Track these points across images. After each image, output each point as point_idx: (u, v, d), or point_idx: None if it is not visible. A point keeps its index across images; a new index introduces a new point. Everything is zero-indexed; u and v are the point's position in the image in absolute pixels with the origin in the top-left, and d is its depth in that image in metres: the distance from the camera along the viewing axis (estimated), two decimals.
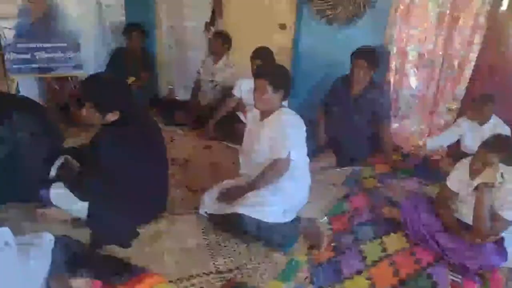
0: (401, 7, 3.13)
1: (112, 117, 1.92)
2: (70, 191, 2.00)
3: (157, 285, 1.72)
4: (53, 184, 2.06)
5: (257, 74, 2.14)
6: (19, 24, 3.39)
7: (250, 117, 2.34)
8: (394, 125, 3.35)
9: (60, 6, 3.51)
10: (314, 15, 3.47)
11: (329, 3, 3.35)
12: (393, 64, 3.28)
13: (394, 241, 2.14)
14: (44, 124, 2.30)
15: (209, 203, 2.15)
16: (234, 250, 2.01)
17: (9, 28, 3.36)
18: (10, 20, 3.35)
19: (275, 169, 2.06)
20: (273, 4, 3.77)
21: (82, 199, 1.99)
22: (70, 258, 1.64)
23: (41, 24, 3.46)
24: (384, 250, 2.07)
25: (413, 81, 3.29)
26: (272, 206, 2.00)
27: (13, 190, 2.10)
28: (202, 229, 2.16)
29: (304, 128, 2.15)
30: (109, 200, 1.99)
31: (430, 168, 3.02)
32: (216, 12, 4.36)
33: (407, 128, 3.39)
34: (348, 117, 3.01)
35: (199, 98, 3.92)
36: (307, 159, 2.24)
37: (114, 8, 4.35)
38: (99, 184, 1.95)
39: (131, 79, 3.89)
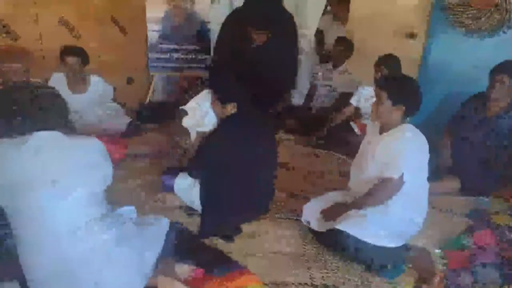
0: None
1: (230, 109, 2.09)
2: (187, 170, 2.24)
3: (253, 284, 1.76)
4: (179, 173, 2.29)
5: (377, 84, 2.01)
6: (162, 27, 3.85)
7: (369, 129, 2.21)
8: None
9: (197, 13, 3.88)
10: (450, 24, 3.14)
11: (471, 11, 3.00)
12: None
13: None
14: None
15: (310, 215, 2.11)
16: (333, 266, 1.93)
17: (155, 31, 3.85)
18: (156, 23, 3.83)
19: (384, 189, 1.91)
20: (402, 11, 3.54)
21: (192, 176, 2.20)
22: (180, 243, 1.78)
23: (180, 28, 3.88)
24: None
25: None
26: (375, 227, 1.86)
27: None
28: (302, 237, 2.14)
29: (426, 149, 1.95)
30: (219, 194, 2.13)
31: None
32: (341, 18, 4.30)
33: None
34: (480, 141, 2.64)
35: (312, 103, 3.92)
36: (427, 184, 2.03)
37: None
38: (205, 171, 2.14)
39: None
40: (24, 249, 1.36)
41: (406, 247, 1.93)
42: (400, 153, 1.88)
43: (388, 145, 1.94)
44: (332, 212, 2.00)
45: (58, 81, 3.11)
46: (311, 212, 2.10)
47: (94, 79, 3.29)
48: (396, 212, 1.93)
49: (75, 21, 3.51)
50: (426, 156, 1.96)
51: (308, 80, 4.07)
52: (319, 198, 2.17)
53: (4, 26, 3.13)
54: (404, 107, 1.92)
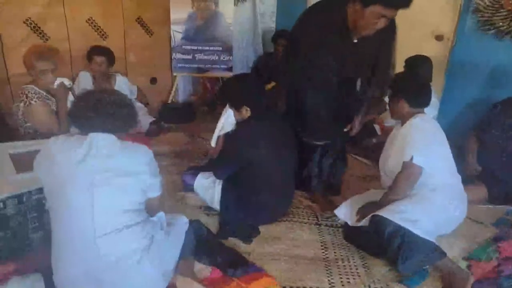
0: None
1: (245, 113, 2.11)
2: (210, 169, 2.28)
3: (271, 287, 1.74)
4: (200, 172, 2.32)
5: None
6: (186, 28, 3.90)
7: (395, 127, 2.23)
8: None
9: (221, 14, 3.90)
10: (480, 26, 3.05)
11: (502, 13, 2.90)
12: None
13: None
14: None
15: (347, 212, 2.11)
16: (353, 272, 1.90)
17: (179, 32, 3.90)
18: (180, 24, 3.88)
19: (402, 176, 1.93)
20: (430, 13, 3.45)
21: (216, 176, 2.22)
22: (198, 242, 1.79)
23: (203, 29, 3.92)
24: None
25: None
26: (411, 212, 1.84)
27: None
28: (322, 241, 2.11)
29: (438, 133, 2.01)
30: (237, 194, 2.15)
31: None
32: None
33: None
34: (509, 147, 2.55)
35: None
36: (458, 176, 2.06)
37: (266, 16, 4.64)
38: (225, 168, 2.17)
39: (271, 84, 4.07)
40: (56, 247, 1.39)
41: (438, 251, 1.84)
42: (407, 137, 1.95)
43: (401, 135, 2.02)
44: (366, 211, 1.99)
45: (84, 79, 3.20)
46: (349, 210, 2.11)
47: (119, 78, 3.36)
48: (433, 200, 1.93)
49: (102, 22, 3.59)
50: (440, 140, 2.01)
51: None
52: (358, 197, 2.17)
53: (34, 27, 3.24)
54: (404, 99, 2.02)
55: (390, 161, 2.06)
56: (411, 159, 1.89)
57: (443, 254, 1.83)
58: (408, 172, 1.92)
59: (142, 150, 1.47)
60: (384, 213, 1.83)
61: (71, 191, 1.31)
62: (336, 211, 2.16)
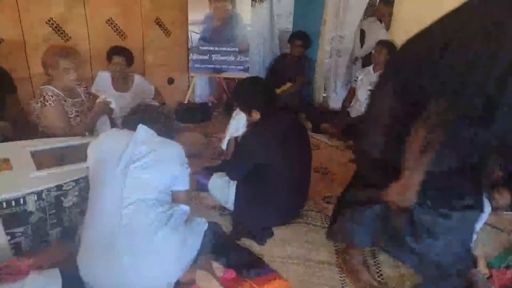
0: None
1: (255, 115, 2.12)
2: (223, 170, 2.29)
3: None
4: (214, 173, 2.33)
5: None
6: (203, 29, 3.92)
7: None
8: None
9: (238, 15, 3.91)
10: None
11: None
12: None
13: None
14: None
15: None
16: None
17: (196, 33, 3.93)
18: (197, 25, 3.91)
19: None
20: None
21: (231, 178, 2.22)
22: (215, 242, 1.81)
23: (220, 30, 3.93)
24: None
25: None
26: None
27: None
28: (335, 246, 2.09)
29: None
30: (251, 195, 2.14)
31: None
32: (384, 22, 4.21)
33: None
34: None
35: (351, 108, 3.84)
36: None
37: (283, 16, 4.63)
38: (239, 170, 2.17)
39: (287, 85, 4.06)
40: (87, 220, 1.55)
41: (473, 262, 1.84)
42: None
43: None
44: None
45: (103, 79, 3.25)
46: None
47: (137, 78, 3.40)
48: None
49: (122, 23, 3.65)
50: None
51: (345, 84, 4.00)
52: None
53: (56, 27, 3.31)
54: None
55: None
56: None
57: (473, 263, 1.82)
58: None
59: (174, 143, 1.69)
60: None
61: (111, 168, 1.50)
62: None
